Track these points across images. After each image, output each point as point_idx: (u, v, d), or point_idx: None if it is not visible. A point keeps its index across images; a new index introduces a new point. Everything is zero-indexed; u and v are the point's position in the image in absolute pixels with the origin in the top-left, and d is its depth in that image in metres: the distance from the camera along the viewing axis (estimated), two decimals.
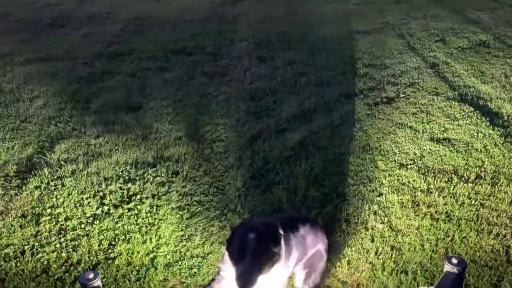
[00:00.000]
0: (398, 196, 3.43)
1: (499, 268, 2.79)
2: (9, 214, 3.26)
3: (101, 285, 1.80)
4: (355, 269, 2.79)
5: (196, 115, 4.79)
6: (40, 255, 2.90)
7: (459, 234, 3.05)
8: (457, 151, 3.99)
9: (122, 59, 6.35)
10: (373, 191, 3.52)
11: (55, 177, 3.67)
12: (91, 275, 1.80)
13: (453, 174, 3.67)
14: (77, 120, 4.60)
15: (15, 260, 2.86)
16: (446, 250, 2.93)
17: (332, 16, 8.80)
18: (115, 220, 3.21)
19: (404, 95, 5.15)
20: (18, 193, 3.48)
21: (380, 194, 3.47)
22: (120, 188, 3.54)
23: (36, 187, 3.54)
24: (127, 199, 3.42)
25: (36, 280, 2.72)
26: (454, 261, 1.82)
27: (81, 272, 2.74)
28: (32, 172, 3.72)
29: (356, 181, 3.65)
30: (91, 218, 3.22)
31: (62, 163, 3.85)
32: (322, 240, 2.57)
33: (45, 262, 2.85)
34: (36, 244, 2.98)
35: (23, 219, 3.21)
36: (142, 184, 3.60)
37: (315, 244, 2.49)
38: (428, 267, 2.80)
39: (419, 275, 2.74)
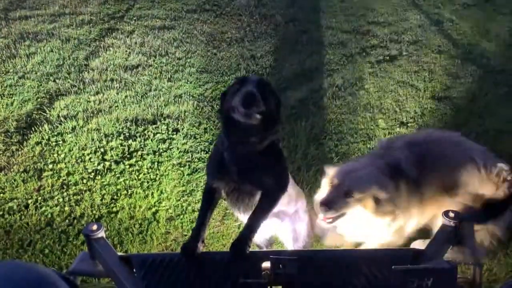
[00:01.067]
0: None
1: None
2: (11, 169, 3.29)
3: (104, 236, 1.83)
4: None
5: (196, 74, 4.74)
6: (43, 208, 2.95)
7: None
8: (458, 110, 3.97)
9: (121, 17, 6.21)
10: (373, 148, 3.53)
11: (56, 133, 3.68)
12: (94, 227, 1.82)
13: None
14: (76, 77, 4.55)
15: (19, 214, 2.92)
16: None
17: None
18: (117, 175, 3.25)
19: (407, 53, 5.07)
20: (19, 149, 3.50)
21: None
22: (121, 145, 3.55)
23: (37, 143, 3.56)
24: (128, 155, 3.45)
25: (40, 233, 2.78)
26: (451, 214, 1.85)
27: (85, 225, 2.79)
28: (32, 128, 3.72)
29: (356, 139, 3.66)
30: (92, 174, 3.26)
31: (62, 119, 3.85)
32: (302, 199, 2.36)
33: (49, 216, 2.90)
34: (39, 198, 3.03)
35: (26, 174, 3.24)
36: (142, 141, 3.61)
37: (297, 199, 2.29)
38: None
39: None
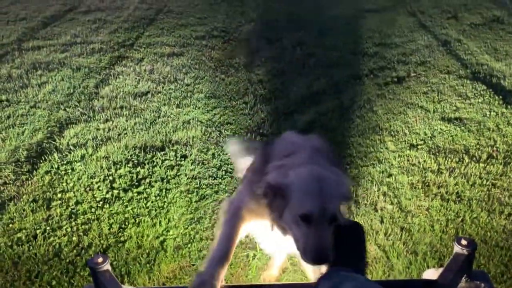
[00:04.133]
0: (408, 177, 3.39)
1: (510, 248, 2.75)
2: (21, 199, 3.30)
3: (110, 269, 1.80)
4: None
5: (204, 99, 4.76)
6: (51, 239, 2.94)
7: (470, 215, 3.01)
8: (468, 131, 3.92)
9: (130, 45, 6.32)
10: (382, 172, 3.48)
11: (65, 162, 3.69)
12: (100, 259, 1.79)
13: (464, 154, 3.61)
14: (86, 105, 4.61)
15: (28, 244, 2.90)
16: (456, 230, 2.90)
17: None
18: (125, 203, 3.23)
19: (415, 74, 5.06)
20: (29, 178, 3.52)
21: (390, 175, 3.44)
22: (129, 172, 3.55)
23: (47, 172, 3.57)
24: (136, 183, 3.44)
25: (48, 264, 2.76)
26: (464, 242, 1.78)
27: (92, 255, 2.77)
28: (42, 157, 3.75)
29: (365, 162, 3.61)
30: (101, 202, 3.25)
31: (72, 148, 3.88)
32: None
33: (57, 246, 2.89)
34: (48, 228, 3.02)
35: (35, 204, 3.24)
36: (151, 168, 3.61)
37: None
38: (438, 247, 2.78)
39: (429, 256, 2.72)
